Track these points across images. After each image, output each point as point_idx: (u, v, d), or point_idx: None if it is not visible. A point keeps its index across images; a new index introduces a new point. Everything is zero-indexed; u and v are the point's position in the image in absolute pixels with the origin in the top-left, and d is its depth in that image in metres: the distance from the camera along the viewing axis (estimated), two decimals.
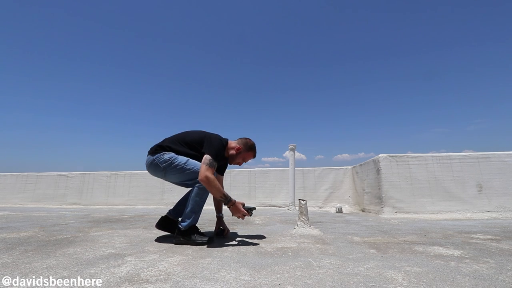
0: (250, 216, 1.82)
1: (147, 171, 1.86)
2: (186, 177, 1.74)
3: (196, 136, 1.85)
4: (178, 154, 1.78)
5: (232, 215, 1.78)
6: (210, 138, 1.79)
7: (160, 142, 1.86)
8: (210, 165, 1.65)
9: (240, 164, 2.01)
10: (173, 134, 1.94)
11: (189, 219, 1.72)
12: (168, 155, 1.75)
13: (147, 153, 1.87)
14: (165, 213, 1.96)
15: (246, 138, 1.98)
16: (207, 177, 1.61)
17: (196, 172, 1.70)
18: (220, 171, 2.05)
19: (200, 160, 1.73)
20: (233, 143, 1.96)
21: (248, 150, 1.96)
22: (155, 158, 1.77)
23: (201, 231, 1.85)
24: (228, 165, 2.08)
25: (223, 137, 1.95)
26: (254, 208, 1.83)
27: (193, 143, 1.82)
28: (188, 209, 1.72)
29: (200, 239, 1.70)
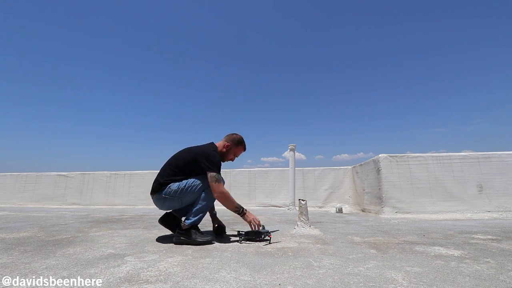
0: (269, 237, 1.82)
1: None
2: (199, 193, 1.79)
3: (187, 157, 1.86)
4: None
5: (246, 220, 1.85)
6: (205, 154, 1.81)
7: (158, 179, 1.87)
8: (218, 180, 1.73)
9: (232, 160, 2.05)
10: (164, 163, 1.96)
11: (195, 217, 1.73)
12: (174, 186, 1.78)
13: (151, 194, 1.89)
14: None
15: (232, 134, 2.02)
16: (223, 193, 1.73)
17: (202, 183, 1.77)
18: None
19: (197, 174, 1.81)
20: (220, 143, 2.00)
21: (237, 145, 1.99)
22: (164, 194, 1.80)
23: (202, 230, 1.85)
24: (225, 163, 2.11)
25: (209, 142, 2.00)
26: (268, 232, 1.85)
27: (187, 166, 1.83)
28: (196, 208, 1.75)
29: (201, 238, 1.71)
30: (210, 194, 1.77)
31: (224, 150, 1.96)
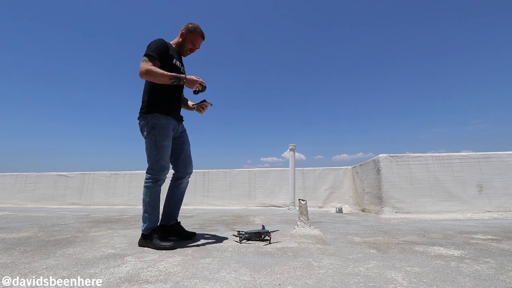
0: (269, 237, 1.81)
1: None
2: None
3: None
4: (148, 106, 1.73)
5: (192, 89, 1.76)
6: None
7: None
8: (147, 60, 1.63)
9: (192, 50, 1.92)
10: None
11: (145, 222, 1.68)
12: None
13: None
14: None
15: (185, 24, 1.89)
16: (146, 70, 1.60)
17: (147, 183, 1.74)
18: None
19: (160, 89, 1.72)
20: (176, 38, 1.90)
21: (192, 31, 1.87)
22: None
23: (190, 230, 1.86)
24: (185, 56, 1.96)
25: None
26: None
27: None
28: (142, 212, 1.72)
29: (162, 244, 1.58)
30: (149, 188, 1.73)
31: (181, 39, 1.86)
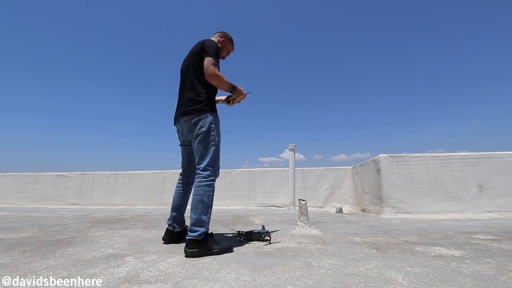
0: (269, 237, 1.82)
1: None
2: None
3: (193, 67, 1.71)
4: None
5: (234, 101, 1.89)
6: (206, 44, 1.70)
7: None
8: (215, 64, 1.65)
9: (224, 58, 1.96)
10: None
11: (202, 226, 1.47)
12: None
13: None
14: (168, 225, 1.80)
15: (221, 31, 1.93)
16: (216, 75, 1.64)
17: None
18: None
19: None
20: (215, 40, 1.87)
21: (230, 41, 1.93)
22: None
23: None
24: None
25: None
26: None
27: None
28: (199, 214, 1.50)
29: (219, 247, 1.48)
30: (210, 187, 1.60)
31: (219, 45, 1.83)
